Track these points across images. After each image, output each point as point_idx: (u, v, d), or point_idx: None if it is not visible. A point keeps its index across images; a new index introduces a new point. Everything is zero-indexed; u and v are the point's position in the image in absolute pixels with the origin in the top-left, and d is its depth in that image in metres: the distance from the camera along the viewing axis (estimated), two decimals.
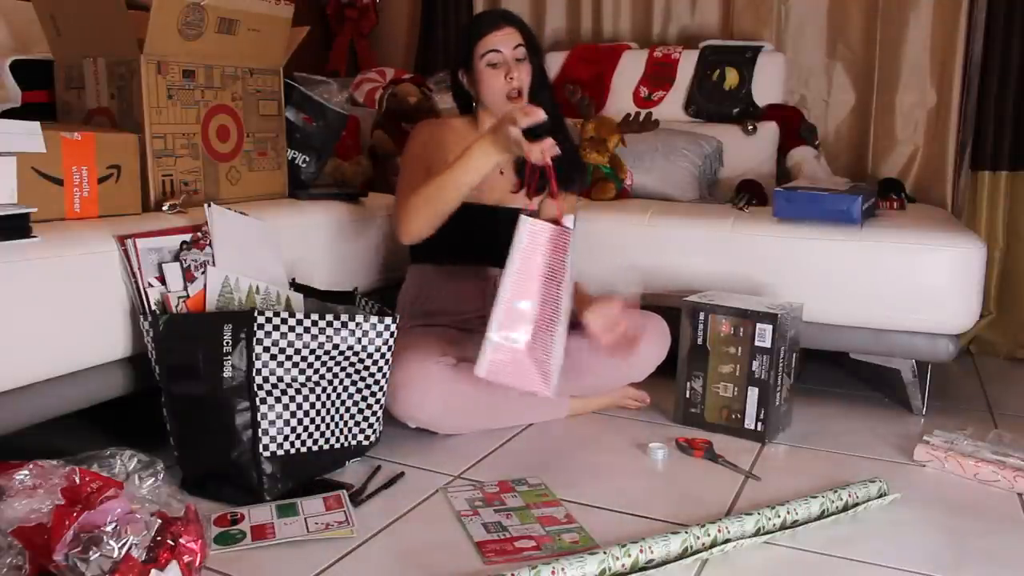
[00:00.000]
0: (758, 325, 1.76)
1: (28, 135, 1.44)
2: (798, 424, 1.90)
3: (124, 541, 1.09)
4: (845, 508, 1.43)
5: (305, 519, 1.36)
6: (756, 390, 1.78)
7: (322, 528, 1.33)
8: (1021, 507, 1.50)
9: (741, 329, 1.79)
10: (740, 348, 1.79)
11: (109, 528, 1.10)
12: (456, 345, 1.83)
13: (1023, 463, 1.59)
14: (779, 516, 1.37)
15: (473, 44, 1.85)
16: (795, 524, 1.37)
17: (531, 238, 1.52)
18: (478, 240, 1.86)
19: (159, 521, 1.15)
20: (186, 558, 1.14)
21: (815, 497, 1.42)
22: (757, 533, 1.34)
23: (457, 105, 2.00)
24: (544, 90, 1.91)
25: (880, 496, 1.47)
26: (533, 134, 1.66)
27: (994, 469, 1.58)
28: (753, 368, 1.78)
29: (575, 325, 1.86)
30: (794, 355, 1.84)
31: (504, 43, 1.83)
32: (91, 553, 1.07)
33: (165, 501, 1.25)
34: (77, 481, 1.17)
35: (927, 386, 2.02)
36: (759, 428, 1.79)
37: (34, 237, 1.34)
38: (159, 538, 1.13)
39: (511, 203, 1.90)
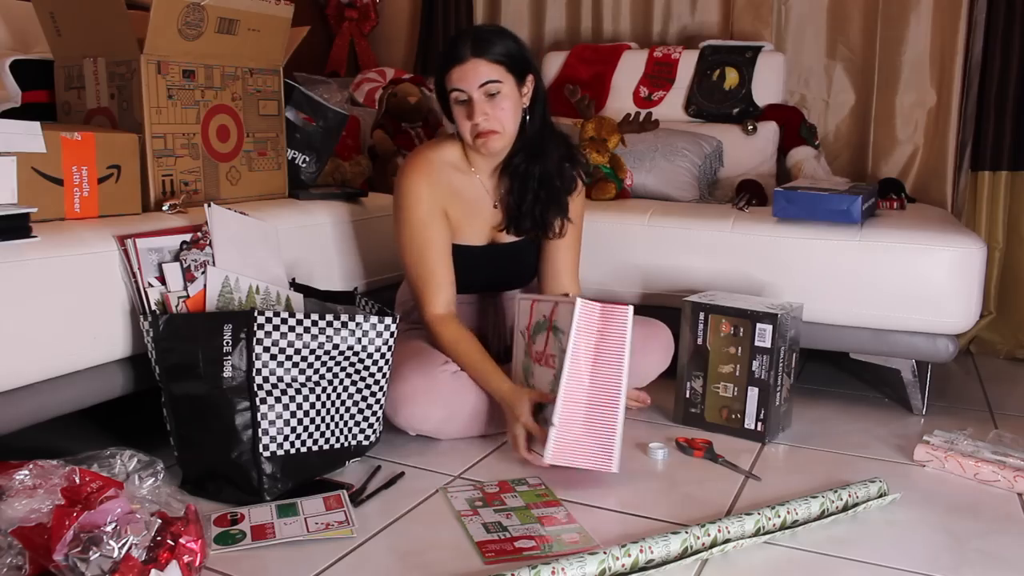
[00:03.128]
0: (758, 325, 1.76)
1: (28, 135, 1.44)
2: (798, 424, 1.90)
3: (124, 541, 1.09)
4: (845, 508, 1.43)
5: (305, 519, 1.36)
6: (756, 390, 1.78)
7: (322, 528, 1.33)
8: (1021, 507, 1.50)
9: (741, 329, 1.79)
10: (740, 348, 1.79)
11: (109, 528, 1.10)
12: None
13: (1023, 463, 1.59)
14: (779, 516, 1.37)
15: (441, 76, 1.70)
16: (795, 524, 1.37)
17: (586, 320, 1.50)
18: (478, 277, 1.85)
19: (159, 521, 1.15)
20: (186, 558, 1.14)
21: (815, 497, 1.42)
22: (757, 533, 1.34)
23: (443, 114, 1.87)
24: (536, 110, 1.77)
25: (880, 496, 1.47)
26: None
27: (994, 469, 1.58)
28: (753, 368, 1.78)
29: None
30: (794, 355, 1.84)
31: (468, 81, 1.65)
32: (91, 553, 1.07)
33: (165, 501, 1.25)
34: (77, 481, 1.17)
35: (927, 386, 2.02)
36: (759, 428, 1.79)
37: (34, 237, 1.34)
38: (159, 538, 1.13)
39: (500, 240, 1.86)
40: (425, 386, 1.66)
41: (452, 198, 1.78)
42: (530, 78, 1.74)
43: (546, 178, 1.79)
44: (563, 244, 1.88)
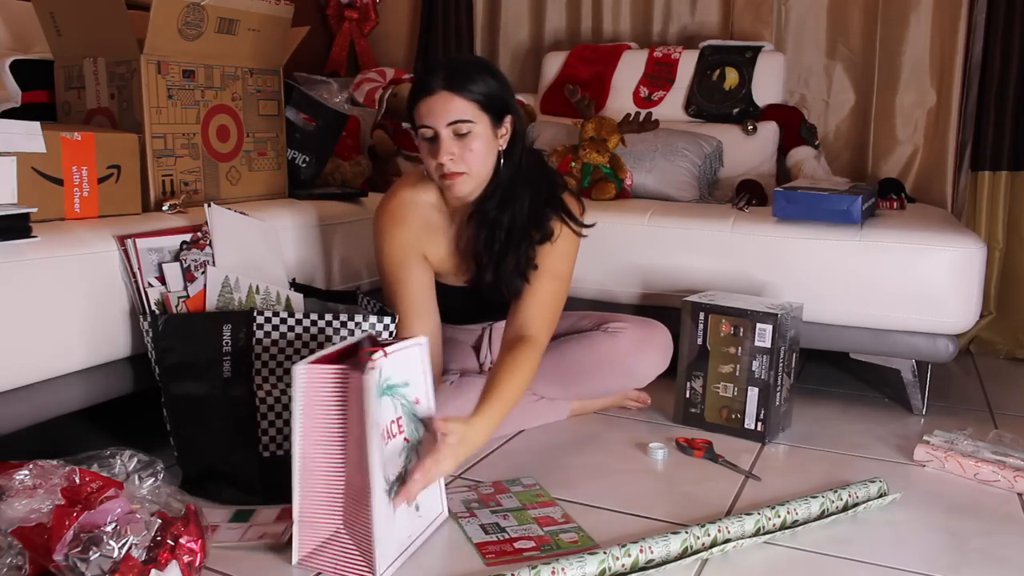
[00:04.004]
0: (758, 325, 1.76)
1: (28, 135, 1.44)
2: (798, 424, 1.90)
3: (124, 541, 1.09)
4: (845, 508, 1.43)
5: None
6: (756, 390, 1.78)
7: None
8: (1021, 507, 1.50)
9: (741, 329, 1.79)
10: (740, 348, 1.79)
11: (109, 528, 1.10)
12: (456, 357, 1.82)
13: (1023, 463, 1.59)
14: (779, 516, 1.37)
15: (411, 106, 1.54)
16: (795, 524, 1.37)
17: (314, 387, 1.20)
18: (470, 312, 1.82)
19: (159, 521, 1.15)
20: (186, 558, 1.14)
21: (815, 497, 1.42)
22: (757, 533, 1.34)
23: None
24: (513, 154, 1.59)
25: (880, 496, 1.47)
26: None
27: (994, 469, 1.58)
28: (753, 368, 1.78)
29: (580, 330, 1.87)
30: (794, 355, 1.84)
31: (435, 116, 1.48)
32: (91, 553, 1.07)
33: (165, 501, 1.25)
34: (77, 481, 1.17)
35: (927, 386, 2.02)
36: (759, 428, 1.79)
37: (34, 237, 1.34)
38: (159, 538, 1.13)
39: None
40: None
41: (431, 240, 1.65)
42: (508, 119, 1.56)
43: (515, 227, 1.60)
44: (536, 284, 1.62)
